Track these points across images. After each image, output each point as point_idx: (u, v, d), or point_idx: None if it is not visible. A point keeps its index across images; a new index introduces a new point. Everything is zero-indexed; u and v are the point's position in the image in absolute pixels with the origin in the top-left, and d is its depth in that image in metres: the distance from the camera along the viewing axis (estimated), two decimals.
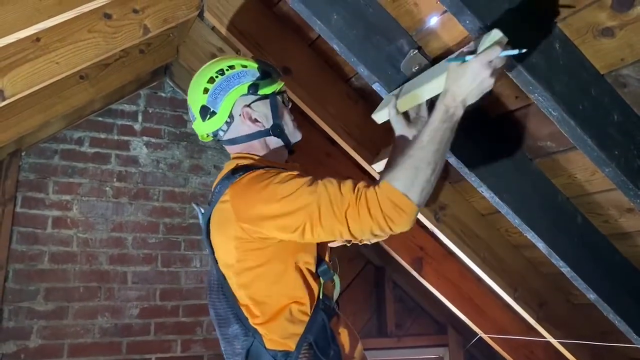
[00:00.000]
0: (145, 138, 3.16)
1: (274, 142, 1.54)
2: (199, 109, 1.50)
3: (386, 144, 2.14)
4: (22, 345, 2.70)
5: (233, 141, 1.53)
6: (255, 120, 1.50)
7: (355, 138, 2.23)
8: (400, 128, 1.54)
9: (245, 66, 1.52)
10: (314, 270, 1.41)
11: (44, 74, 1.91)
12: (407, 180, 1.21)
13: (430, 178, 1.23)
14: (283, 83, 1.58)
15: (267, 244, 1.35)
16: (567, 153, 1.72)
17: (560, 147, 1.71)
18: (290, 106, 1.61)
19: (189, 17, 2.26)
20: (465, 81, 1.20)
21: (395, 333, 3.74)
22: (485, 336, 2.93)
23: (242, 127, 1.50)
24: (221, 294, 1.44)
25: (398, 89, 1.61)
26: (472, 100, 1.23)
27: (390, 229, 1.22)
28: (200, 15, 2.35)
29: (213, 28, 2.53)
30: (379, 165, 2.08)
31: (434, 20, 1.61)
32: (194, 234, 3.17)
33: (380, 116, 1.64)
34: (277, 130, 1.52)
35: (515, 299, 2.38)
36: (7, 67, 1.82)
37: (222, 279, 1.44)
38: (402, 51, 1.69)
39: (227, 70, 1.50)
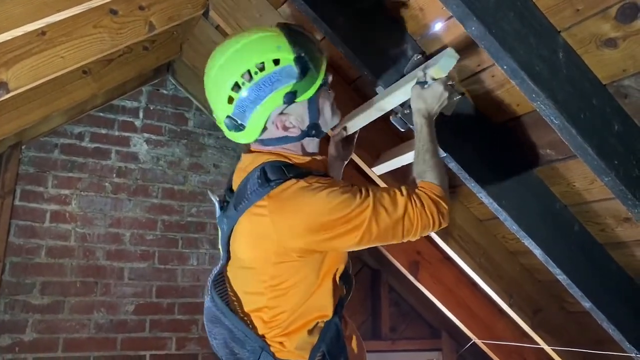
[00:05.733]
0: (145, 135, 3.17)
1: (309, 141, 1.40)
2: (223, 118, 1.31)
3: (386, 147, 2.15)
4: (17, 339, 2.69)
5: (263, 142, 1.37)
6: (290, 127, 1.32)
7: (356, 140, 2.24)
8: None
9: (277, 61, 1.24)
10: (340, 278, 1.38)
11: (49, 67, 1.90)
12: (422, 168, 1.39)
13: (427, 157, 1.40)
14: (325, 61, 1.33)
15: (307, 261, 1.29)
16: (567, 161, 1.73)
17: (560, 156, 1.72)
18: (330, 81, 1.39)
19: (194, 15, 2.27)
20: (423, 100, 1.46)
21: (390, 336, 3.76)
22: (478, 341, 2.94)
23: (274, 133, 1.34)
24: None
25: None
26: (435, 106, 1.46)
27: (441, 222, 1.33)
28: (205, 14, 2.35)
29: (217, 27, 2.53)
30: (379, 169, 2.09)
31: (438, 26, 1.63)
32: (191, 232, 3.18)
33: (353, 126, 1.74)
34: (312, 131, 1.36)
35: (510, 305, 2.39)
36: (12, 60, 1.81)
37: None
38: (406, 55, 1.70)
39: (256, 74, 1.24)
